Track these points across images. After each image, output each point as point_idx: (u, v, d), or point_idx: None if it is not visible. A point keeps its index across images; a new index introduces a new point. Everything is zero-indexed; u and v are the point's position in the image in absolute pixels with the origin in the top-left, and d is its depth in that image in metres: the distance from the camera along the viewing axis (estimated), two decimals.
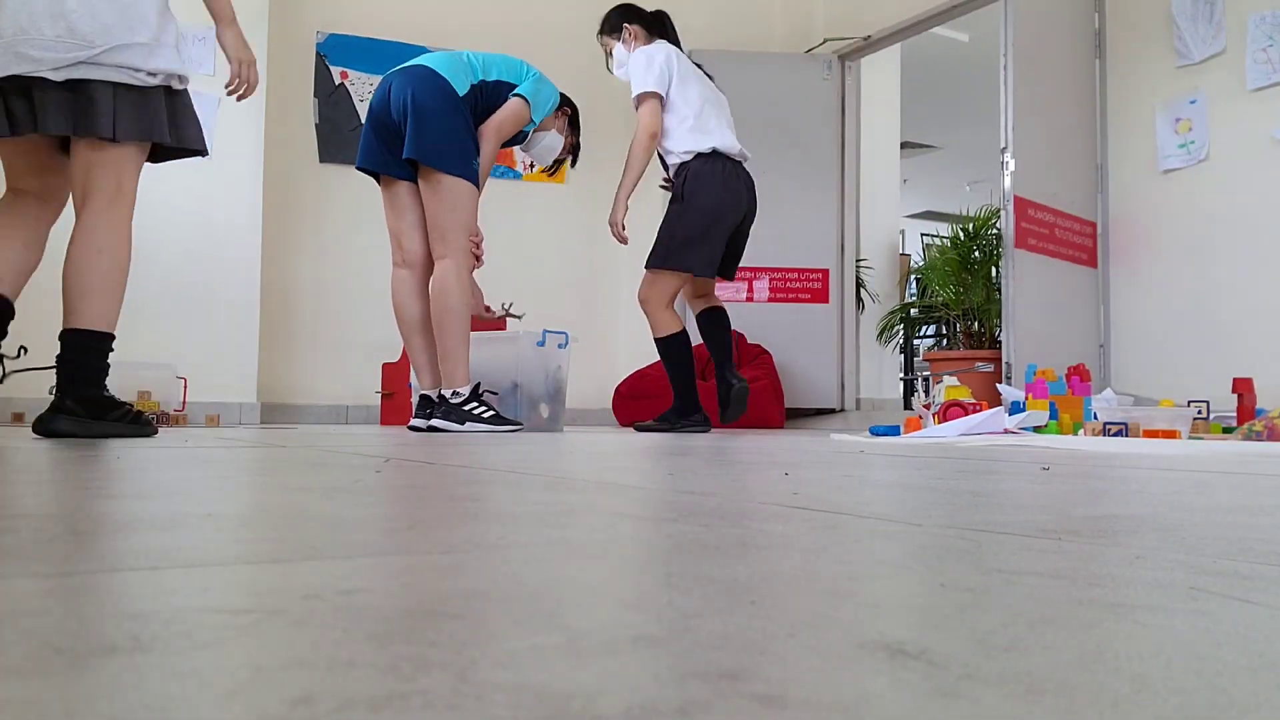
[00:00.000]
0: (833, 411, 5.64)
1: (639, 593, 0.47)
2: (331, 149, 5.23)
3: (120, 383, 4.23)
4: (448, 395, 3.22)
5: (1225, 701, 0.30)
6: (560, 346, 3.72)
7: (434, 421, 3.24)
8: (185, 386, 4.37)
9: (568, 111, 3.67)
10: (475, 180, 3.23)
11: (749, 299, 5.55)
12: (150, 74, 2.13)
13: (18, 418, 4.07)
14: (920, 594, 0.49)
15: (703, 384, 4.99)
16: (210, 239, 4.59)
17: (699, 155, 3.62)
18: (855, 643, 0.37)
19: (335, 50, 5.27)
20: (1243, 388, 3.23)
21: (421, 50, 5.43)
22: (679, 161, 3.68)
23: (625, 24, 3.82)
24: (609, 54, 3.90)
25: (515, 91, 3.32)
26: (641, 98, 3.63)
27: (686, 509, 0.87)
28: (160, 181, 4.50)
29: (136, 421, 2.33)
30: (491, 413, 3.24)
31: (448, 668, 0.33)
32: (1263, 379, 3.63)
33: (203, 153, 2.39)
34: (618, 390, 5.13)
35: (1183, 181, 4.28)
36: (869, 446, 2.45)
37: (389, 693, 0.30)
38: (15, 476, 1.17)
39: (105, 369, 2.26)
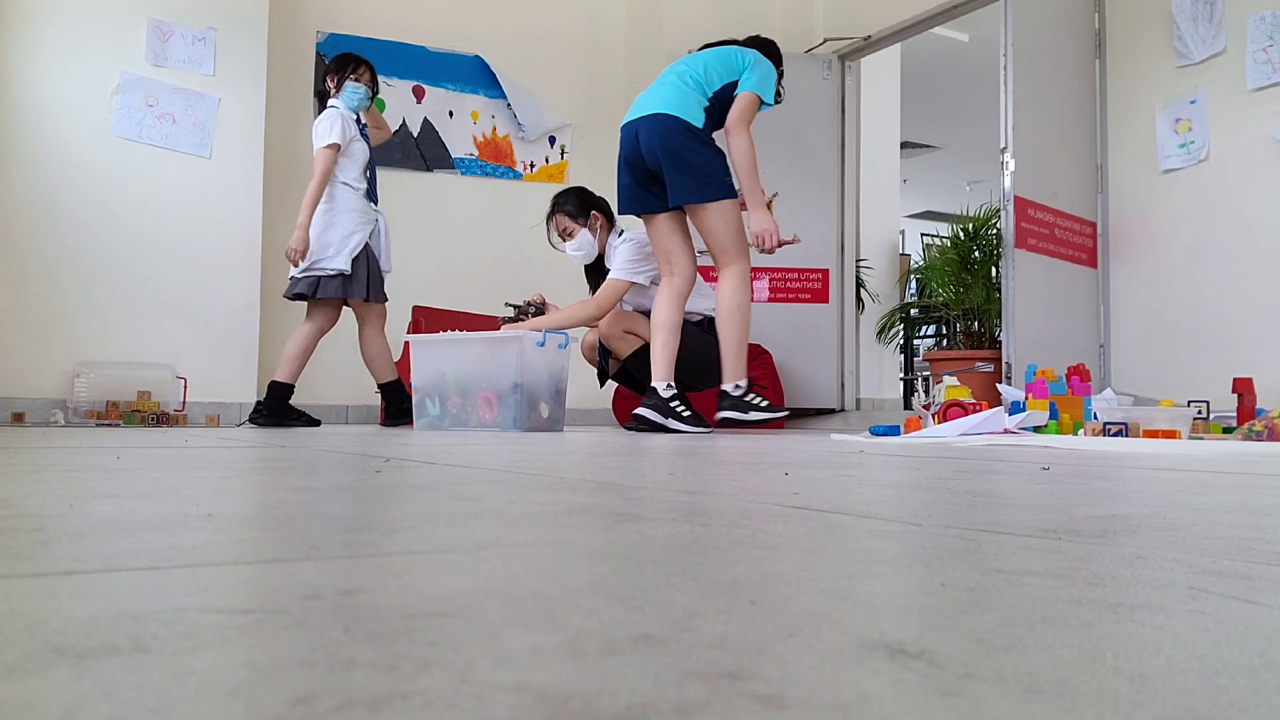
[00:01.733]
0: (833, 411, 5.63)
1: (639, 593, 0.47)
2: None
3: (120, 383, 4.25)
4: (729, 389, 3.49)
5: (1225, 701, 0.30)
6: (561, 346, 3.72)
7: (723, 414, 3.46)
8: (185, 386, 4.37)
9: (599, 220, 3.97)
10: (734, 193, 3.47)
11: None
12: (336, 269, 3.90)
13: (18, 418, 4.07)
14: (920, 594, 0.49)
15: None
16: (210, 239, 4.59)
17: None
18: (855, 643, 0.37)
19: (335, 50, 5.26)
20: (1243, 388, 3.23)
21: (421, 50, 5.45)
22: (703, 315, 3.91)
23: (593, 211, 3.98)
24: (565, 233, 3.98)
25: (744, 88, 3.45)
26: (621, 283, 3.81)
27: (686, 509, 0.87)
28: (160, 182, 4.51)
29: (303, 418, 4.05)
30: (690, 413, 3.46)
31: (448, 668, 0.33)
32: (1263, 379, 3.63)
33: (378, 300, 4.08)
34: (618, 390, 5.12)
35: (1183, 181, 4.28)
36: (869, 446, 2.45)
37: (389, 693, 0.30)
38: (21, 477, 1.17)
39: (288, 395, 4.01)
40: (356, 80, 3.95)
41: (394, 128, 5.33)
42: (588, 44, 5.94)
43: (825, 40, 5.82)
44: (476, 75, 5.55)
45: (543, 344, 3.62)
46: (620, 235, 3.97)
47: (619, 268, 3.84)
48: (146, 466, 1.37)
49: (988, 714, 0.29)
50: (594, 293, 4.06)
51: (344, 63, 4.00)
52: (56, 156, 4.33)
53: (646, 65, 5.85)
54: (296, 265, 3.89)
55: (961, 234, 5.74)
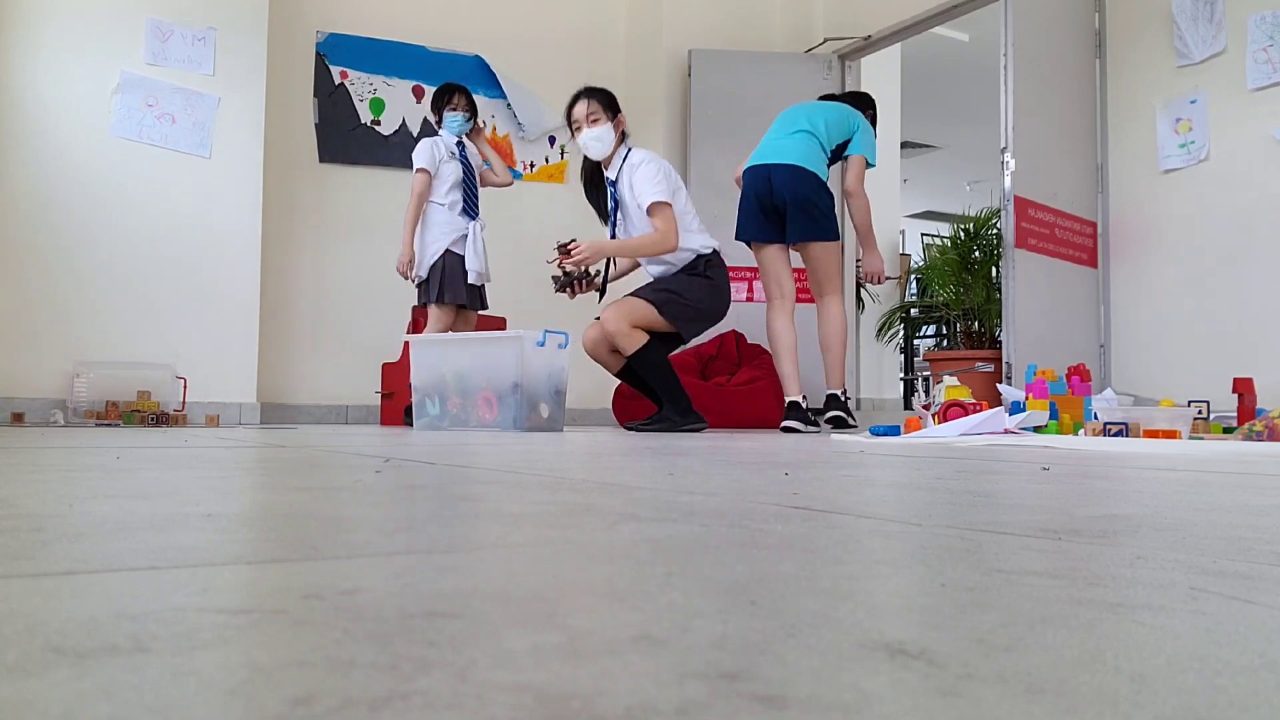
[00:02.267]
0: None
1: (639, 593, 0.47)
2: (331, 149, 5.22)
3: (120, 383, 4.25)
4: (838, 394, 4.11)
5: (1225, 701, 0.30)
6: (560, 346, 3.72)
7: (834, 414, 4.08)
8: (185, 386, 4.37)
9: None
10: (840, 235, 4.09)
11: (749, 299, 5.55)
12: (419, 278, 4.35)
13: (17, 418, 4.07)
14: (920, 594, 0.49)
15: (701, 383, 4.99)
16: (210, 239, 4.59)
17: (715, 251, 4.05)
18: (855, 643, 0.37)
19: (335, 50, 5.27)
20: (1243, 388, 3.23)
21: (421, 50, 5.45)
22: (695, 255, 3.98)
23: (620, 115, 4.04)
24: (591, 118, 3.99)
25: (856, 151, 4.07)
26: (659, 206, 3.86)
27: (686, 509, 0.87)
28: (160, 182, 4.51)
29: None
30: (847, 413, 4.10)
31: (448, 668, 0.33)
32: (1263, 379, 3.62)
33: (468, 306, 4.41)
34: (618, 390, 5.12)
35: (1183, 181, 4.28)
36: (869, 446, 2.45)
37: (389, 693, 0.30)
38: (21, 477, 1.17)
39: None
40: (453, 109, 4.39)
41: (394, 127, 5.33)
42: (588, 44, 5.93)
43: (825, 40, 5.82)
44: (476, 75, 5.55)
45: (543, 344, 3.63)
46: (628, 151, 3.98)
47: (655, 191, 3.85)
48: (146, 466, 1.37)
49: (988, 714, 0.29)
50: (597, 209, 4.16)
51: (441, 94, 4.42)
52: (56, 156, 4.32)
53: (646, 65, 5.86)
54: (406, 277, 4.32)
55: (962, 234, 5.74)
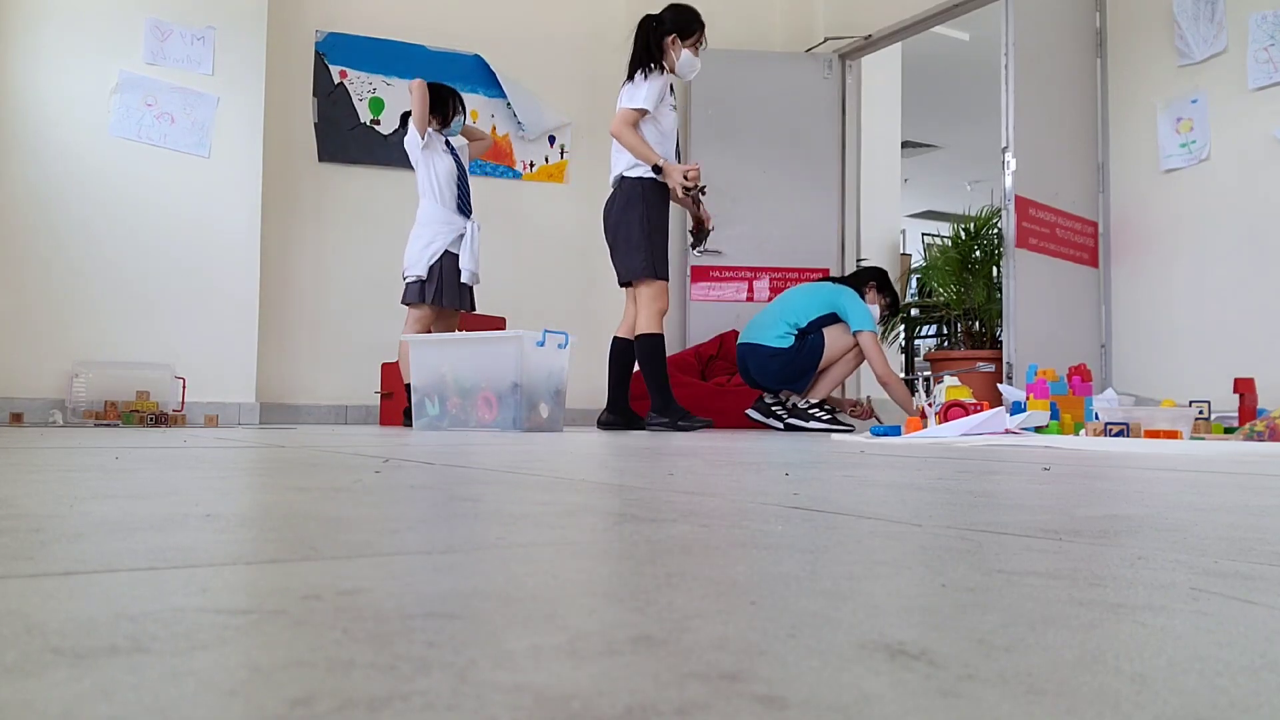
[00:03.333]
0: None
1: (639, 593, 0.47)
2: (331, 148, 5.22)
3: (119, 383, 4.25)
4: (804, 402, 4.33)
5: (1226, 702, 0.30)
6: (560, 346, 3.72)
7: (791, 420, 4.32)
8: (184, 386, 4.37)
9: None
10: (816, 350, 4.21)
11: (749, 299, 5.55)
12: (415, 276, 4.29)
13: (16, 418, 4.07)
14: (921, 594, 0.49)
15: (701, 384, 4.99)
16: (209, 238, 4.58)
17: None
18: (855, 643, 0.37)
19: (334, 49, 5.26)
20: (1244, 388, 3.23)
21: (421, 50, 5.45)
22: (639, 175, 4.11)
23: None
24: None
25: (859, 329, 4.19)
26: None
27: (686, 509, 0.87)
28: (159, 181, 4.51)
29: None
30: (829, 418, 4.29)
31: (448, 668, 0.33)
32: (1264, 379, 3.62)
33: (450, 305, 4.32)
34: None
35: (1184, 181, 4.28)
36: (869, 446, 2.45)
37: (389, 693, 0.30)
38: (20, 477, 1.17)
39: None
40: (458, 115, 4.50)
41: (394, 127, 5.33)
42: (588, 44, 5.93)
43: (826, 39, 5.82)
44: (476, 75, 5.54)
45: (542, 344, 3.62)
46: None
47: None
48: (145, 467, 1.37)
49: (988, 715, 0.29)
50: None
51: (451, 102, 4.45)
52: (56, 156, 4.32)
53: None
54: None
55: (962, 233, 5.73)
